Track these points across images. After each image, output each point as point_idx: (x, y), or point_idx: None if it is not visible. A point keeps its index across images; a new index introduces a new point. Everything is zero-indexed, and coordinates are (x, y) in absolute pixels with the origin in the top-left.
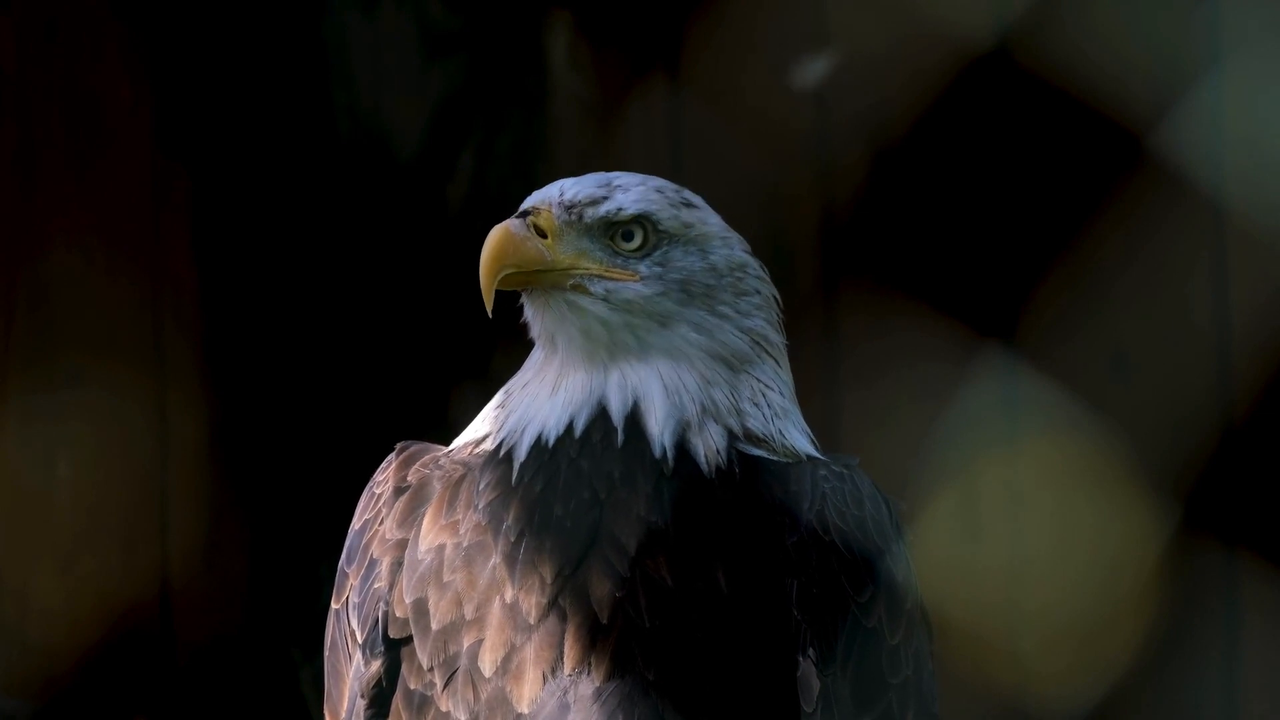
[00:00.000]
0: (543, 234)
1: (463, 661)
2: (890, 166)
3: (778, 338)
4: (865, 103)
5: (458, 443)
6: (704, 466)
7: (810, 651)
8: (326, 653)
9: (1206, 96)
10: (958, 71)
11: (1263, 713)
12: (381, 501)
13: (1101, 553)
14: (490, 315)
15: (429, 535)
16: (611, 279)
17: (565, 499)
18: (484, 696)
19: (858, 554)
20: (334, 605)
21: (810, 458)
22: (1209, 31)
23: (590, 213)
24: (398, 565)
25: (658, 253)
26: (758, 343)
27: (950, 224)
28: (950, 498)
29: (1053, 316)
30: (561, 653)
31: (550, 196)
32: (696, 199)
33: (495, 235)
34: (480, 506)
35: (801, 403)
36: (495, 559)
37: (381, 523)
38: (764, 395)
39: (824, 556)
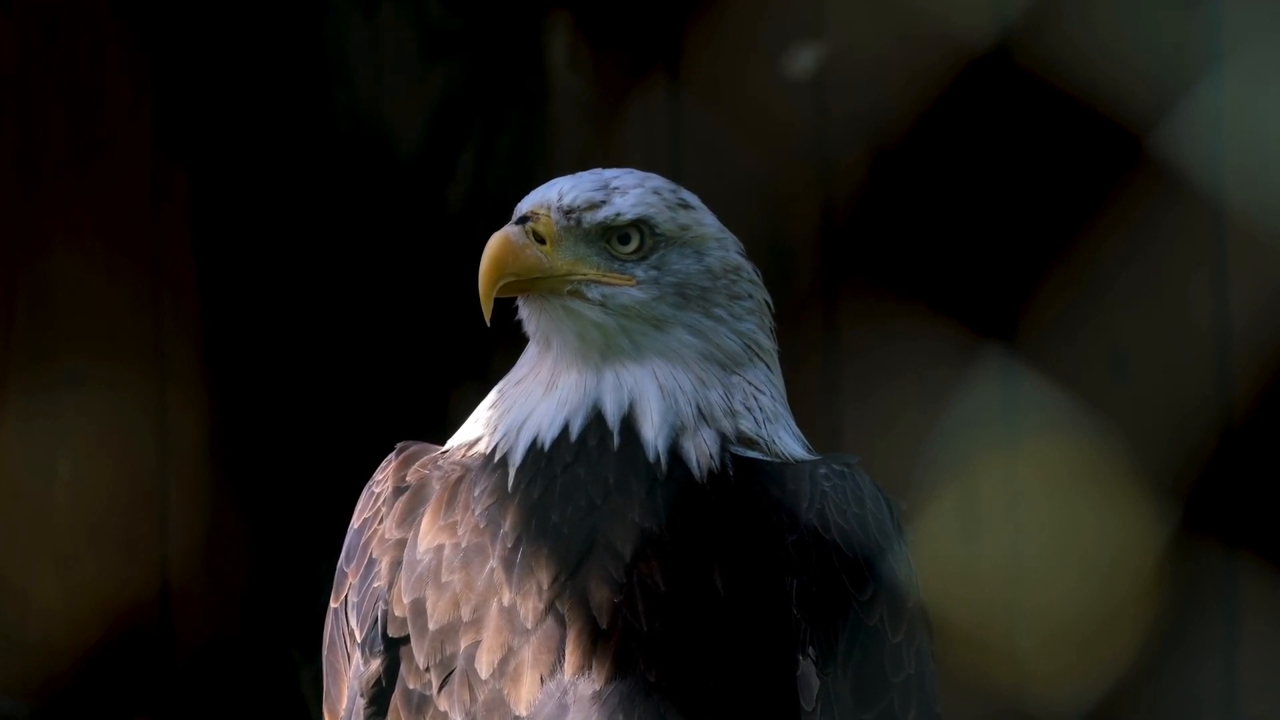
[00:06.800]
0: (541, 240)
1: (459, 662)
2: (890, 166)
3: (769, 343)
4: (865, 103)
5: (451, 444)
6: (696, 471)
7: (810, 650)
8: (325, 651)
9: (1206, 96)
10: (958, 71)
11: (1262, 713)
12: (381, 501)
13: (1101, 553)
14: (488, 324)
15: (428, 535)
16: (608, 284)
17: (562, 506)
18: (480, 698)
19: (859, 552)
20: (332, 604)
21: (807, 459)
22: (1209, 31)
23: (588, 218)
24: (397, 565)
25: (654, 256)
26: (750, 346)
27: (950, 224)
28: (950, 498)
29: (1053, 316)
30: (560, 656)
31: (549, 200)
32: (693, 198)
33: (495, 244)
34: (478, 511)
35: (802, 402)
36: (493, 562)
37: (381, 522)
38: (755, 399)
39: (824, 555)
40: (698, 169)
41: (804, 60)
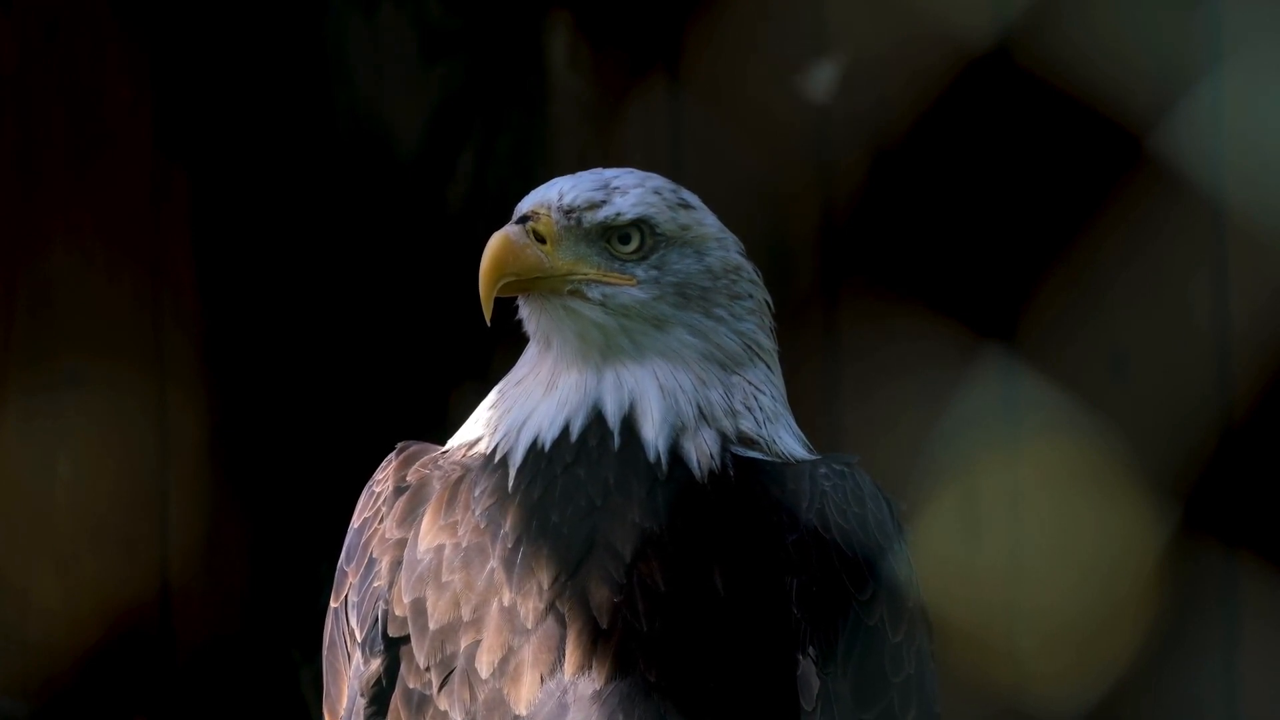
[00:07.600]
0: (541, 239)
1: (460, 662)
2: (890, 167)
3: (769, 343)
4: (865, 103)
5: (452, 444)
6: (696, 471)
7: (810, 650)
8: (325, 651)
9: (1206, 96)
10: (958, 72)
11: (1262, 713)
12: (381, 500)
13: (1101, 553)
14: (489, 324)
15: (428, 535)
16: (608, 284)
17: (562, 507)
18: (481, 698)
19: (859, 552)
20: (333, 604)
21: (808, 459)
22: (1209, 31)
23: (589, 217)
24: (397, 564)
25: (654, 255)
26: (750, 346)
27: (950, 225)
28: (950, 498)
29: (1053, 316)
30: (560, 656)
31: (549, 199)
32: (693, 198)
33: (495, 243)
34: (478, 512)
35: (802, 402)
36: (493, 563)
37: (381, 521)
38: (755, 399)
39: (824, 555)
40: (698, 169)
41: (818, 80)
